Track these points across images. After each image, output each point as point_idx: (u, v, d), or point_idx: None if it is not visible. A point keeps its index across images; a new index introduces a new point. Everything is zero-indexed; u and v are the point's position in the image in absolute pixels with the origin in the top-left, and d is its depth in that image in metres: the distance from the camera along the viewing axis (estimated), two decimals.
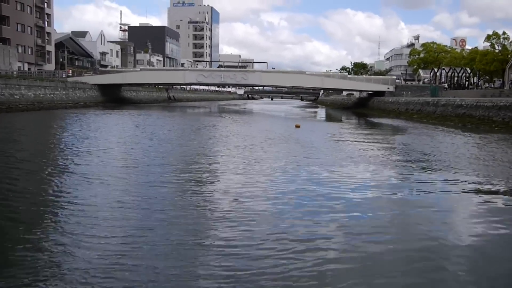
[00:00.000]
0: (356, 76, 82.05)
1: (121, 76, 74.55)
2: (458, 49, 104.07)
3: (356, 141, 24.37)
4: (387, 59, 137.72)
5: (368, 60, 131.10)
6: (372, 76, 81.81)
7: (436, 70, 79.60)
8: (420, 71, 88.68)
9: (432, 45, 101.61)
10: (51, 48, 79.39)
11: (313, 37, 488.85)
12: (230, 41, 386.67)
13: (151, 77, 76.10)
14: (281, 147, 20.17)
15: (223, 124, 35.75)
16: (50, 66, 78.48)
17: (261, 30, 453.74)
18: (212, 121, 37.96)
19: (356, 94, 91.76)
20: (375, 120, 49.07)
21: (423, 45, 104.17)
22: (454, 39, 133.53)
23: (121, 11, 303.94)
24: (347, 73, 79.63)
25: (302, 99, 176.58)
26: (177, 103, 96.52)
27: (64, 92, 63.08)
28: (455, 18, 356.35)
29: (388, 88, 71.51)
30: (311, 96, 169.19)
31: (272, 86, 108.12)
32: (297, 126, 34.89)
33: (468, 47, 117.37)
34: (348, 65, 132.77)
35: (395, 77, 78.73)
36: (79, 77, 73.09)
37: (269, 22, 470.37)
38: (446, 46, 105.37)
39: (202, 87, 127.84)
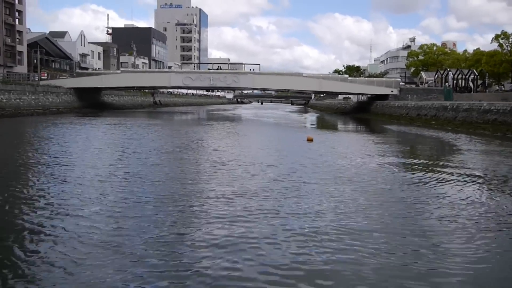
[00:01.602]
0: (357, 78, 73.43)
1: (100, 79, 65.22)
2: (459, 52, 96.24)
3: (423, 167, 15.57)
4: (382, 61, 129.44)
5: (357, 64, 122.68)
6: (375, 79, 73.34)
7: (441, 72, 71.35)
8: (423, 73, 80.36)
9: (432, 46, 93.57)
10: (23, 48, 69.33)
11: (302, 41, 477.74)
12: (218, 45, 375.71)
13: (133, 80, 66.85)
14: (322, 196, 11.10)
15: (214, 138, 26.57)
16: (22, 68, 68.48)
17: (250, 34, 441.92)
18: (199, 133, 28.71)
19: (354, 98, 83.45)
20: (394, 128, 40.26)
21: (421, 47, 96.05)
22: (444, 43, 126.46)
23: (108, 15, 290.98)
24: (347, 76, 70.87)
25: (292, 103, 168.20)
26: (163, 108, 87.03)
27: (33, 97, 53.94)
28: (443, 23, 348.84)
29: (392, 91, 63.16)
30: (301, 100, 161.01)
31: (265, 90, 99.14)
32: (309, 140, 26.06)
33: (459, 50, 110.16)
34: (338, 68, 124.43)
35: (399, 79, 70.27)
36: (53, 80, 63.69)
37: (258, 26, 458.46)
38: (446, 47, 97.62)
39: (190, 91, 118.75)
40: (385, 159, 18.09)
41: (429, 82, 75.06)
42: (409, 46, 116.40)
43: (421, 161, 17.89)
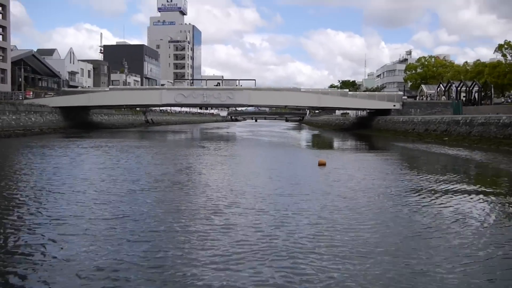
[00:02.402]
0: (357, 92, 69.26)
1: (87, 97, 60.46)
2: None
3: (496, 204, 10.92)
4: (378, 76, 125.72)
5: (351, 79, 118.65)
6: (376, 93, 69.19)
7: (444, 85, 67.27)
8: (423, 86, 76.34)
9: (430, 59, 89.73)
10: (6, 66, 64.64)
11: (295, 57, 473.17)
12: (212, 63, 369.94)
13: (122, 98, 62.09)
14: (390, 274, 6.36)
15: (207, 165, 21.59)
16: (6, 87, 63.64)
17: (243, 51, 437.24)
18: (189, 159, 23.78)
19: (352, 114, 79.21)
20: (407, 145, 35.52)
21: (418, 59, 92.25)
22: (437, 56, 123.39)
23: (101, 34, 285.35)
24: (347, 91, 66.60)
25: (287, 120, 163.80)
26: (155, 127, 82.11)
27: (14, 117, 49.22)
28: (435, 36, 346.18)
29: (395, 105, 59.02)
30: (296, 116, 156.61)
31: (261, 106, 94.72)
32: (322, 164, 21.35)
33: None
34: (333, 84, 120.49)
35: (401, 93, 66.05)
36: (37, 99, 58.89)
37: (251, 43, 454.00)
38: (446, 60, 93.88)
39: (183, 109, 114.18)
40: (428, 189, 13.33)
41: (431, 95, 71.00)
42: (405, 60, 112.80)
43: (485, 190, 13.15)
